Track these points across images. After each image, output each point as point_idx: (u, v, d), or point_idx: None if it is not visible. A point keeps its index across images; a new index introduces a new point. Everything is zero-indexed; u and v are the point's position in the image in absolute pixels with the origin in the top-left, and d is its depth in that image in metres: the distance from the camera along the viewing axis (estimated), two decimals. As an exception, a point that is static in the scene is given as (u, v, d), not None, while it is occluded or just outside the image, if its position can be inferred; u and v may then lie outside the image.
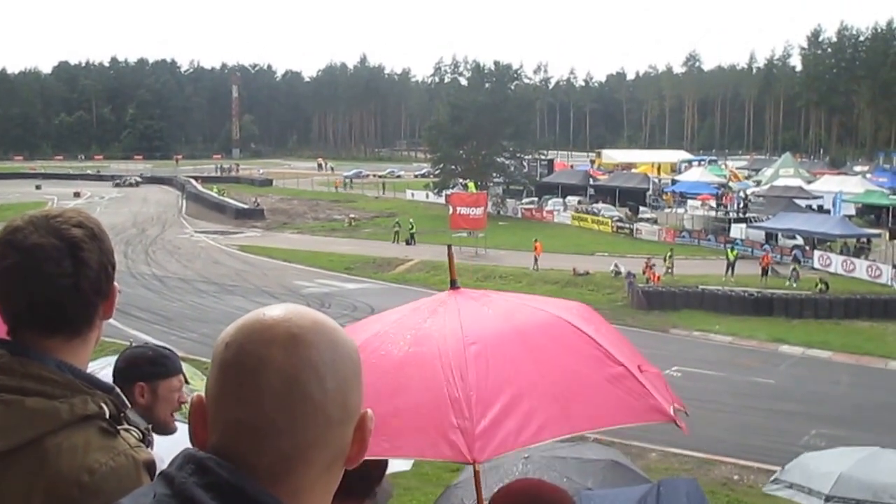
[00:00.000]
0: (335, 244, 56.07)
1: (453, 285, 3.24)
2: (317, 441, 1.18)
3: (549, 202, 72.20)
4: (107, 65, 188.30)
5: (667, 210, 67.47)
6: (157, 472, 1.23)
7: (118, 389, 1.80)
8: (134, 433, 1.73)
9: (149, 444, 1.82)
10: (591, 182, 79.42)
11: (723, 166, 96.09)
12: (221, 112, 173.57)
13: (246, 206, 75.76)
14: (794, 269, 42.78)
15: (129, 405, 2.87)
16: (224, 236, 61.57)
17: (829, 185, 66.92)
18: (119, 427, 1.70)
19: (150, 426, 1.91)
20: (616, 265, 43.95)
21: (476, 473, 3.05)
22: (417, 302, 3.35)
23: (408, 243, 55.53)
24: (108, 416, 1.68)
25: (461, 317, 3.00)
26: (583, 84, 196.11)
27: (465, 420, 2.65)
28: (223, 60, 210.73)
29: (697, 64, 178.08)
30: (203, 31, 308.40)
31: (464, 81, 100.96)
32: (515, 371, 2.82)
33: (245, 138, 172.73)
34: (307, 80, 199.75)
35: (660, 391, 2.94)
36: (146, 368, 3.14)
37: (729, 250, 45.67)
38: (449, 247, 3.49)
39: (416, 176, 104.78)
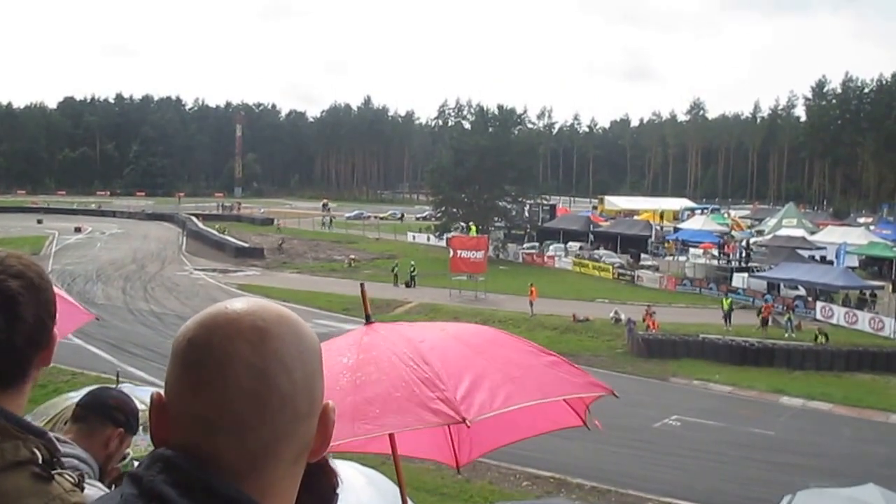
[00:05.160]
0: (334, 285, 55.76)
1: (368, 320, 3.39)
2: (285, 435, 1.16)
3: (551, 247, 72.20)
4: (112, 101, 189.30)
5: (668, 258, 67.37)
6: None
7: (50, 435, 1.66)
8: (68, 477, 1.59)
9: (83, 489, 1.68)
10: (593, 228, 79.41)
11: (725, 215, 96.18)
12: (225, 150, 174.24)
13: (246, 245, 75.86)
14: (789, 319, 42.53)
15: (70, 443, 2.68)
16: (223, 274, 61.35)
17: (832, 236, 66.86)
18: (53, 472, 1.57)
19: (83, 473, 1.75)
20: (616, 312, 43.71)
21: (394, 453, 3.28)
22: (342, 335, 3.50)
23: (407, 285, 55.36)
24: (41, 461, 1.55)
25: (398, 329, 3.28)
26: (586, 130, 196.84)
27: (443, 391, 2.86)
28: (228, 99, 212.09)
29: (701, 112, 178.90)
30: (209, 69, 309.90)
31: (467, 125, 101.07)
32: (466, 362, 3.07)
33: (248, 177, 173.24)
34: (311, 120, 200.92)
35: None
36: (131, 420, 3.12)
37: (724, 299, 45.47)
38: (362, 284, 3.66)
39: (417, 218, 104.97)
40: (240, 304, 1.20)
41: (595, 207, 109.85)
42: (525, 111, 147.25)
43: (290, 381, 1.15)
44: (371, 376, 2.95)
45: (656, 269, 62.03)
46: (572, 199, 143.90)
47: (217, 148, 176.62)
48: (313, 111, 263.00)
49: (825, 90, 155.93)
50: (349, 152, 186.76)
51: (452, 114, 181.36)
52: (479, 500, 21.27)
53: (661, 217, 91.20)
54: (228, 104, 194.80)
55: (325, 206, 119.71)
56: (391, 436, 3.25)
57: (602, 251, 68.50)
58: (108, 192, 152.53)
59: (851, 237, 64.58)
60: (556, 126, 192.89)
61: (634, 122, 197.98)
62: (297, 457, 1.20)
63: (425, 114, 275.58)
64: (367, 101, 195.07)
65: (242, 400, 1.13)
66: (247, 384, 1.13)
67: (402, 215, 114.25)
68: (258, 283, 56.32)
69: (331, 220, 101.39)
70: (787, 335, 41.24)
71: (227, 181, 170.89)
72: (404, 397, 2.87)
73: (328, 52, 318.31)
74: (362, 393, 2.88)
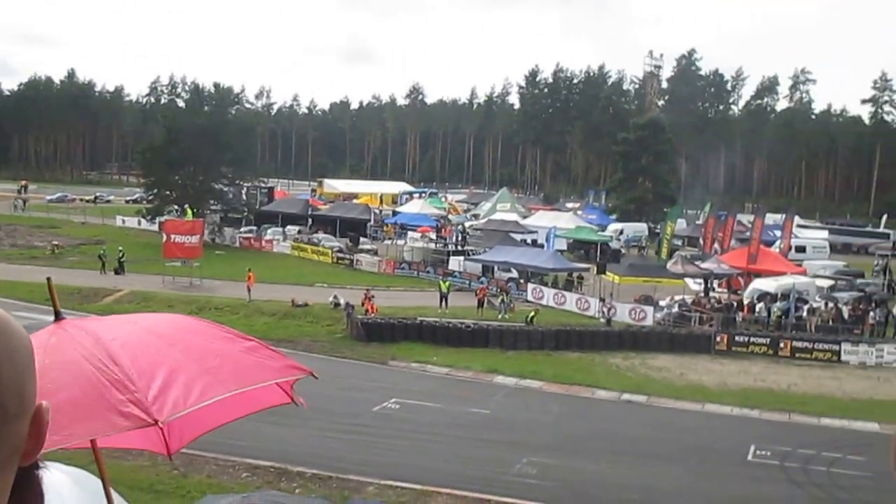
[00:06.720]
0: (36, 273, 51.86)
1: (58, 317, 3.11)
2: None
3: (269, 231, 71.00)
4: None
5: (387, 241, 67.99)
6: None
7: None
8: None
9: None
10: (312, 212, 78.83)
11: (443, 199, 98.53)
12: None
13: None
14: (503, 301, 43.99)
15: None
16: None
17: (543, 220, 70.10)
18: None
19: None
20: (335, 297, 43.46)
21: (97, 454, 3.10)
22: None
23: (116, 273, 52.44)
24: None
25: (88, 327, 3.08)
26: (306, 111, 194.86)
27: (134, 393, 2.75)
28: None
29: (421, 97, 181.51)
30: None
31: (181, 103, 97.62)
32: (161, 356, 2.97)
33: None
34: (6, 93, 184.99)
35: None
36: None
37: (441, 282, 46.39)
38: (49, 279, 3.27)
39: (127, 201, 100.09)
40: None
41: (314, 191, 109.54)
42: (243, 90, 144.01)
43: None
44: (58, 382, 2.67)
45: (375, 252, 62.41)
46: (291, 181, 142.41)
47: None
48: (9, 84, 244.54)
49: (538, 79, 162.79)
50: (51, 130, 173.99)
51: (166, 91, 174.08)
52: (196, 495, 20.49)
53: (381, 201, 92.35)
54: None
55: (23, 188, 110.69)
56: None
57: (321, 235, 68.15)
58: None
59: (560, 221, 67.84)
60: (275, 107, 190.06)
61: (354, 105, 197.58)
62: (8, 459, 1.13)
63: (136, 90, 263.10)
64: (72, 74, 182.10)
65: None
66: None
67: (96, 197, 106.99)
68: (-54, 272, 51.70)
69: (24, 203, 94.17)
70: (500, 316, 42.59)
71: None
72: (93, 402, 2.69)
73: (26, 19, 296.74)
74: (49, 401, 2.41)
